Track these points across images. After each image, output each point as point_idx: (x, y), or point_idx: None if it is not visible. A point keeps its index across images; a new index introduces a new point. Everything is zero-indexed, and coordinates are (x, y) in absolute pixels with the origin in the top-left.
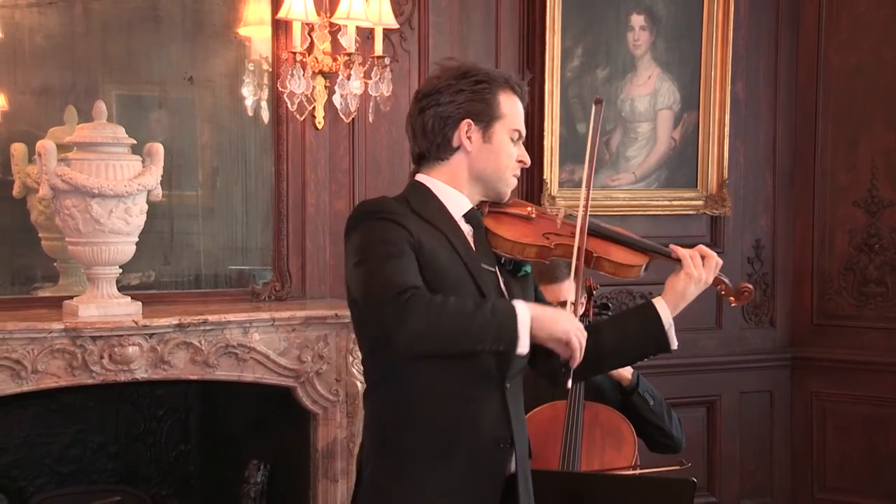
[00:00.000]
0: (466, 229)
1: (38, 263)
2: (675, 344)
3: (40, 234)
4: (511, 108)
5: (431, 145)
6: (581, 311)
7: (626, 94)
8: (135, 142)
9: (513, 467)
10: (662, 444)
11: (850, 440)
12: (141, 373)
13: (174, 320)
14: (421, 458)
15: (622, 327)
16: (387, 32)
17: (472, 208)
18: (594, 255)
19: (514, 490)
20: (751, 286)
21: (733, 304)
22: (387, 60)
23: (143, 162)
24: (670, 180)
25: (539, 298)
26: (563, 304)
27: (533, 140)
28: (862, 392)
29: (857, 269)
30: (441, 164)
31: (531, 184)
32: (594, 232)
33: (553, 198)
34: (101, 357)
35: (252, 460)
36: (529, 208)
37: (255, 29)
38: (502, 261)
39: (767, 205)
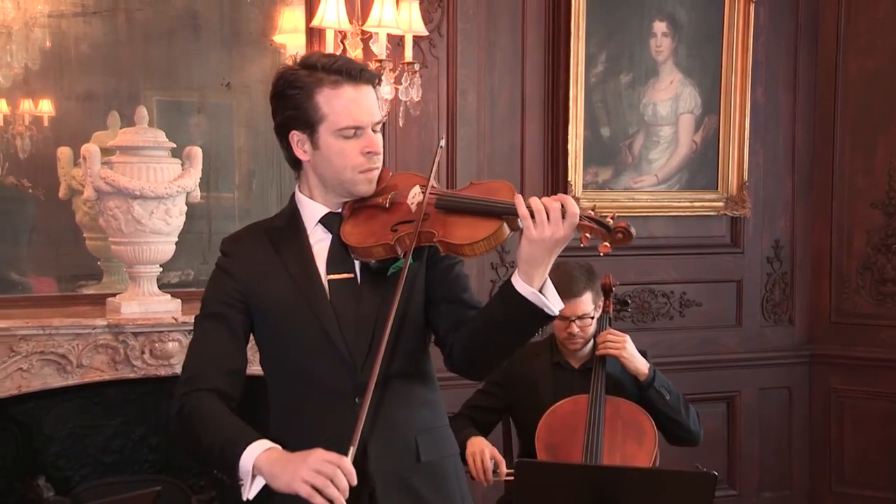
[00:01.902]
0: (325, 238)
1: (82, 262)
2: (553, 309)
3: (85, 235)
4: (332, 105)
5: (285, 157)
6: (599, 312)
7: (648, 98)
8: (174, 145)
9: (375, 482)
10: (680, 437)
11: (867, 435)
12: (180, 367)
13: None
14: None
15: (494, 313)
16: (416, 39)
17: (327, 214)
18: (435, 238)
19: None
20: (629, 226)
21: (603, 254)
22: (416, 66)
23: (182, 165)
24: (691, 182)
25: (445, 282)
26: (580, 318)
27: (558, 143)
28: (879, 388)
29: (874, 269)
30: (300, 174)
31: (556, 186)
32: (445, 207)
33: (577, 199)
34: (143, 352)
35: None
36: (386, 197)
37: (289, 36)
38: (371, 264)
39: (787, 206)
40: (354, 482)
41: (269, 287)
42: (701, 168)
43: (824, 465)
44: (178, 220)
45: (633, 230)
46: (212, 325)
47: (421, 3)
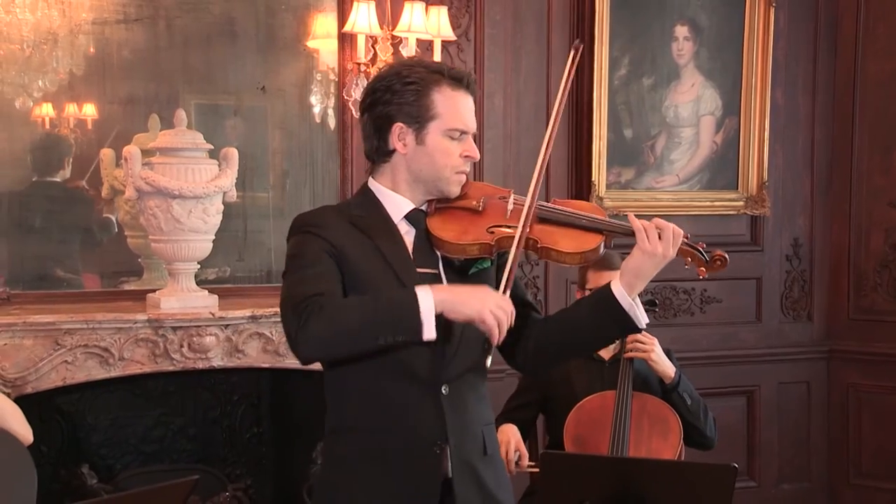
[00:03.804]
0: (409, 231)
1: (124, 259)
2: (641, 322)
3: (126, 233)
4: (448, 106)
5: (372, 148)
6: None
7: (670, 100)
8: (212, 147)
9: (450, 470)
10: (695, 441)
11: (885, 429)
12: (217, 361)
13: (248, 312)
14: (358, 462)
15: (581, 314)
16: (445, 44)
17: (413, 210)
18: (539, 244)
19: (451, 492)
20: (725, 254)
21: (703, 277)
22: None
23: (219, 166)
24: (712, 182)
25: (516, 293)
26: None
27: (582, 144)
28: None
29: (892, 267)
30: (383, 167)
31: (580, 186)
32: (543, 218)
33: (601, 199)
34: (181, 346)
35: (320, 442)
36: (479, 200)
37: (322, 42)
38: (456, 261)
39: (805, 205)
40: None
41: (366, 266)
42: (721, 168)
43: (843, 457)
44: (216, 219)
45: (727, 256)
46: (319, 268)
47: (449, 9)
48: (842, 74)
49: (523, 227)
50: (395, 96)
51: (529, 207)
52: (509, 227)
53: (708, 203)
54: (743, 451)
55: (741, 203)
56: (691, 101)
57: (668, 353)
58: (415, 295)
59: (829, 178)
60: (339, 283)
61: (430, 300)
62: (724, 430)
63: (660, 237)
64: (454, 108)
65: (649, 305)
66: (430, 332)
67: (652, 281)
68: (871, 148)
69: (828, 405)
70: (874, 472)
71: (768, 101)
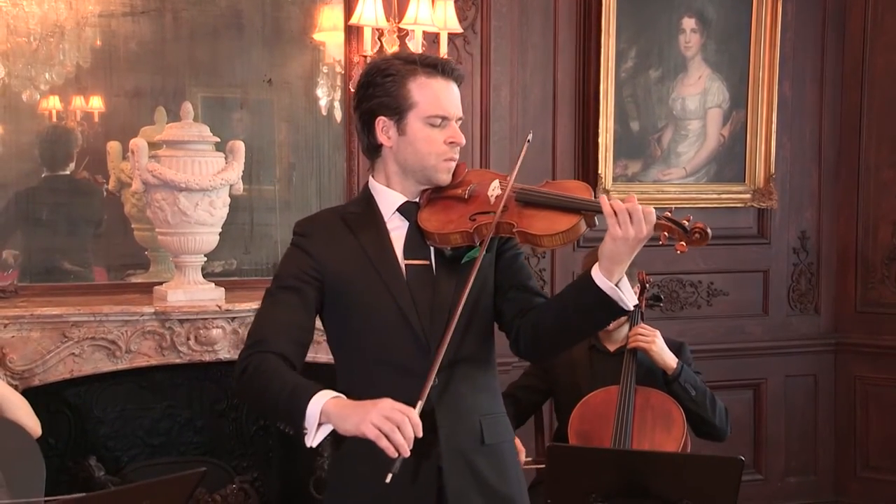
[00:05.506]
0: (401, 225)
1: (131, 252)
2: (629, 304)
3: (133, 226)
4: (424, 94)
5: (364, 145)
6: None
7: (677, 93)
8: (218, 140)
9: (443, 460)
10: (704, 432)
11: (892, 422)
12: (224, 353)
13: (254, 305)
14: (357, 457)
15: (565, 303)
16: (451, 36)
17: (405, 203)
18: (515, 228)
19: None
20: (706, 227)
21: (682, 251)
22: None
23: (225, 158)
24: (719, 175)
25: (511, 270)
26: None
27: (588, 137)
28: None
29: None
30: (377, 163)
31: (586, 178)
32: (525, 201)
33: (607, 191)
34: (188, 338)
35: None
36: (466, 189)
37: (328, 34)
38: (445, 251)
39: (813, 198)
40: (420, 434)
41: (348, 267)
42: (728, 161)
43: (849, 450)
44: (222, 212)
45: (709, 230)
46: (286, 296)
47: (456, 2)
48: (850, 67)
49: (500, 213)
50: (377, 90)
51: (505, 193)
52: (490, 213)
53: (715, 196)
54: (749, 444)
55: (748, 196)
56: (698, 93)
57: (681, 346)
58: (307, 402)
59: (836, 170)
60: (300, 310)
61: (317, 409)
62: (731, 422)
63: (631, 220)
64: (431, 95)
65: (654, 300)
66: (310, 440)
67: (658, 274)
68: (879, 141)
69: (835, 398)
70: (881, 464)
71: (776, 93)
